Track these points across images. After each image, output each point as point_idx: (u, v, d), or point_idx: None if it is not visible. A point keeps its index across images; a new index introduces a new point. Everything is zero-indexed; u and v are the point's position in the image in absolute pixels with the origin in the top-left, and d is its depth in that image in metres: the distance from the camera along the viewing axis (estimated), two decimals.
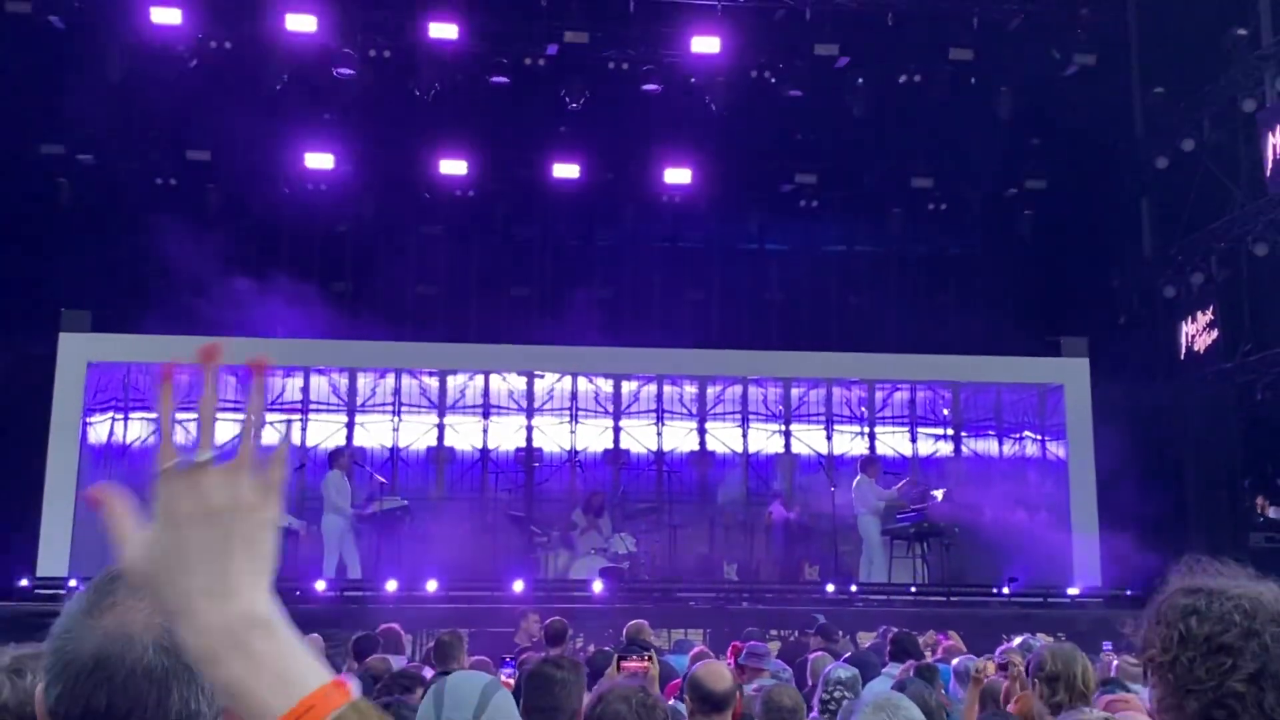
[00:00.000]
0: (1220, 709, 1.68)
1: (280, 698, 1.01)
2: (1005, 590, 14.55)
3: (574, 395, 17.31)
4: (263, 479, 1.08)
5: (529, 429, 17.26)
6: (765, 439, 17.89)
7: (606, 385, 17.47)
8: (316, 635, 8.46)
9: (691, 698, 4.33)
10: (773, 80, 17.42)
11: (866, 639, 11.33)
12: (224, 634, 1.02)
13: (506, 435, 17.26)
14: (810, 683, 7.05)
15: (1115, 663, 8.00)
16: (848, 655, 8.57)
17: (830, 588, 14.31)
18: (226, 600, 1.03)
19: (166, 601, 1.05)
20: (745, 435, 17.75)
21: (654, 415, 17.55)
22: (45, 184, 16.71)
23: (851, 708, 4.04)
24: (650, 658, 4.73)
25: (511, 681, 6.40)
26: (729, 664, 7.89)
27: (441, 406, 17.29)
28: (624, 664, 4.72)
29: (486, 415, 17.28)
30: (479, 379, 17.15)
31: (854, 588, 14.39)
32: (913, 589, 14.68)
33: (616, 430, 17.49)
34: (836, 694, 5.75)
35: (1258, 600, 1.72)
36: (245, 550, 1.05)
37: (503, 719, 2.57)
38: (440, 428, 17.26)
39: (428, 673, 6.51)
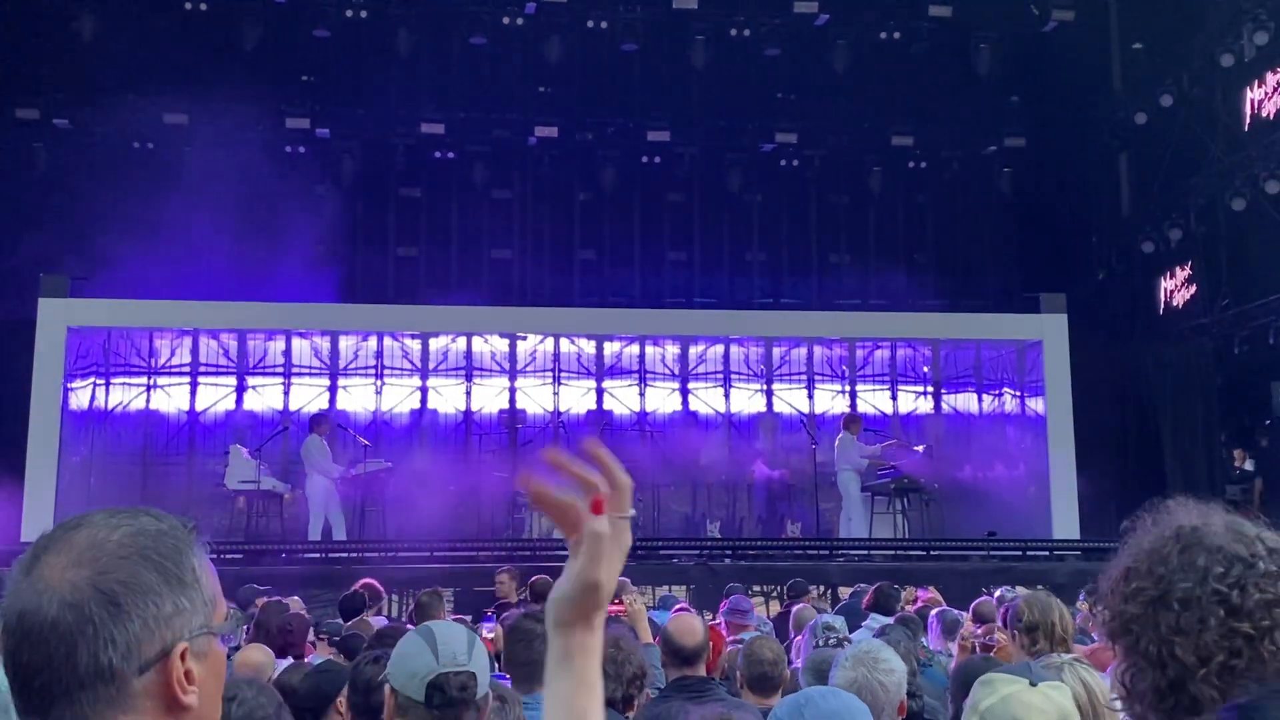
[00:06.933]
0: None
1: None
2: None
3: (556, 357, 17.31)
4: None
5: (512, 391, 17.26)
6: (747, 398, 17.96)
7: (589, 346, 17.48)
8: (296, 597, 8.50)
9: (664, 651, 4.45)
10: (752, 38, 17.39)
11: (846, 594, 11.44)
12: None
13: (489, 397, 17.27)
14: (793, 634, 7.14)
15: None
16: (842, 605, 8.63)
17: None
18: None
19: None
20: (727, 395, 17.81)
21: (637, 376, 17.59)
22: (21, 149, 16.56)
23: (834, 656, 4.11)
24: (625, 602, 4.84)
25: (492, 636, 6.51)
26: (718, 621, 8.02)
27: (424, 369, 17.28)
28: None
29: (469, 378, 17.27)
30: (461, 341, 17.13)
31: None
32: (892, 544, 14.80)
33: (599, 391, 17.53)
34: (830, 639, 5.84)
35: (1147, 551, 1.67)
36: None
37: (484, 663, 2.69)
38: (423, 390, 17.26)
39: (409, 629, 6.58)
